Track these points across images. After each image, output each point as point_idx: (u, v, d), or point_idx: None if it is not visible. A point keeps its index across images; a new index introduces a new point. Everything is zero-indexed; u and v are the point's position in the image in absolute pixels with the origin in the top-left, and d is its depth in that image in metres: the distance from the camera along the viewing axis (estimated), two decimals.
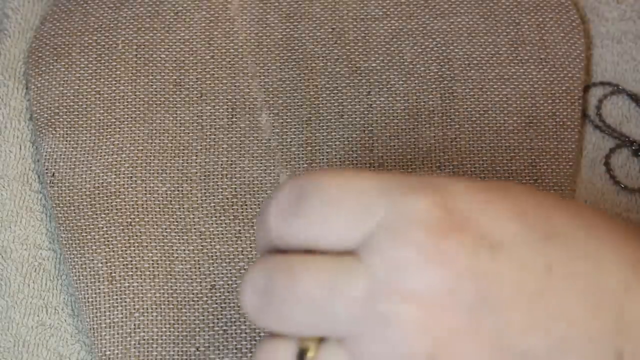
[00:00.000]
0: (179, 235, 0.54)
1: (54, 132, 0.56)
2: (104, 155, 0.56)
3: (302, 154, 0.56)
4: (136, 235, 0.54)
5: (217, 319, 0.52)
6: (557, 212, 0.36)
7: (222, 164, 0.56)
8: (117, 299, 0.52)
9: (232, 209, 0.55)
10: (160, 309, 0.52)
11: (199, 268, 0.53)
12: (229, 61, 0.58)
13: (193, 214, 0.54)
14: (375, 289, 0.34)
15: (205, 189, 0.55)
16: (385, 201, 0.34)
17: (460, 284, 0.33)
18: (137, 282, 0.53)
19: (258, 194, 0.55)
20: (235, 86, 0.58)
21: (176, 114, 0.57)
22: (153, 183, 0.55)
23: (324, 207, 0.34)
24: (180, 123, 0.57)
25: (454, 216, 0.34)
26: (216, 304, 0.52)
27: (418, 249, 0.33)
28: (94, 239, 0.54)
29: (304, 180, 0.35)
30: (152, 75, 0.58)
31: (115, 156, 0.56)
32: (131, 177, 0.55)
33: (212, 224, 0.54)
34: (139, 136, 0.56)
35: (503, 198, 0.35)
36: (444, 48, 0.59)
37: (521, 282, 0.34)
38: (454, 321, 0.33)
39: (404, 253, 0.33)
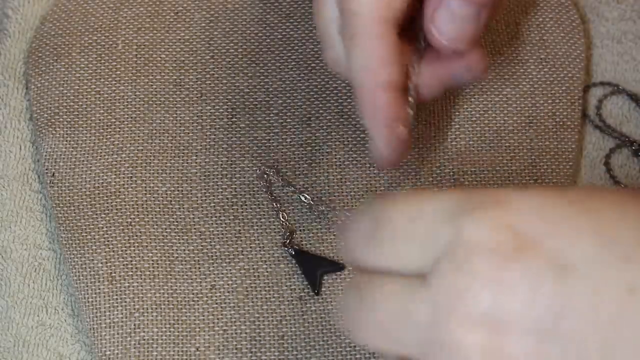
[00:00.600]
0: (179, 235, 0.54)
1: (54, 132, 0.56)
2: (104, 155, 0.56)
3: (302, 154, 0.56)
4: (136, 235, 0.54)
5: (217, 319, 0.52)
6: None
7: (222, 164, 0.56)
8: (117, 299, 0.52)
9: (232, 209, 0.55)
10: (160, 309, 0.52)
11: (199, 268, 0.53)
12: (229, 61, 0.58)
13: (193, 214, 0.54)
14: (438, 315, 0.34)
15: (205, 189, 0.55)
16: (450, 226, 0.34)
17: (523, 310, 0.32)
18: (137, 282, 0.53)
19: (258, 194, 0.55)
20: (235, 86, 0.58)
21: (176, 114, 0.57)
22: (153, 183, 0.55)
23: (394, 240, 0.36)
24: (180, 123, 0.57)
25: (519, 238, 0.33)
26: (216, 304, 0.52)
27: (478, 276, 0.33)
28: (94, 239, 0.54)
29: (379, 211, 0.36)
30: (152, 75, 0.58)
31: (115, 156, 0.56)
32: (131, 177, 0.55)
33: (212, 224, 0.54)
34: (139, 136, 0.56)
35: (579, 213, 0.34)
36: None
37: (597, 307, 0.32)
38: (518, 348, 0.33)
39: (465, 280, 0.33)
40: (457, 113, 0.57)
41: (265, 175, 0.55)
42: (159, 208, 0.55)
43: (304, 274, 0.53)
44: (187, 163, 0.56)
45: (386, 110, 0.46)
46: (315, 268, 0.53)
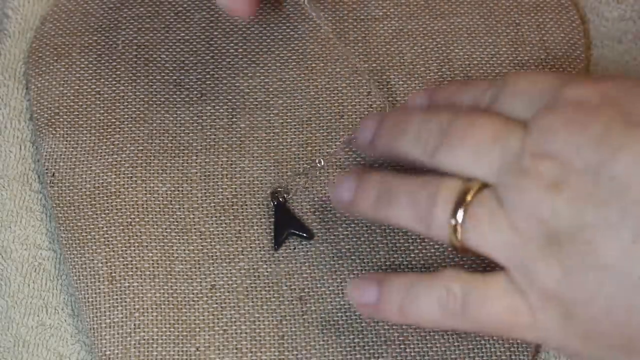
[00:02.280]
0: (179, 235, 0.54)
1: (54, 132, 0.56)
2: (104, 155, 0.56)
3: (302, 154, 0.56)
4: (136, 235, 0.54)
5: (217, 319, 0.52)
6: None
7: (222, 164, 0.56)
8: (117, 298, 0.52)
9: (232, 209, 0.55)
10: (160, 309, 0.52)
11: (199, 268, 0.53)
12: (229, 61, 0.58)
13: (193, 214, 0.54)
14: (526, 147, 0.42)
15: (205, 189, 0.55)
16: (555, 89, 0.43)
17: (588, 149, 0.40)
18: (137, 282, 0.53)
19: (258, 194, 0.55)
20: (235, 86, 0.58)
21: (176, 114, 0.57)
22: (153, 183, 0.55)
23: (513, 95, 0.45)
24: (181, 123, 0.57)
25: (605, 99, 0.41)
26: (216, 304, 0.52)
27: (564, 121, 0.41)
28: (94, 239, 0.54)
29: (507, 77, 0.46)
30: (152, 76, 0.58)
31: (116, 156, 0.56)
32: (131, 177, 0.55)
33: (212, 224, 0.54)
34: (139, 136, 0.56)
35: None
36: (444, 48, 0.59)
37: None
38: (580, 178, 0.40)
39: (553, 123, 0.42)
40: None
41: (276, 195, 0.55)
42: (159, 208, 0.55)
43: (274, 227, 0.53)
44: (187, 163, 0.56)
45: None
46: (286, 226, 0.54)
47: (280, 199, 0.54)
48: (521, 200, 0.42)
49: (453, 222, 0.43)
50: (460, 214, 0.43)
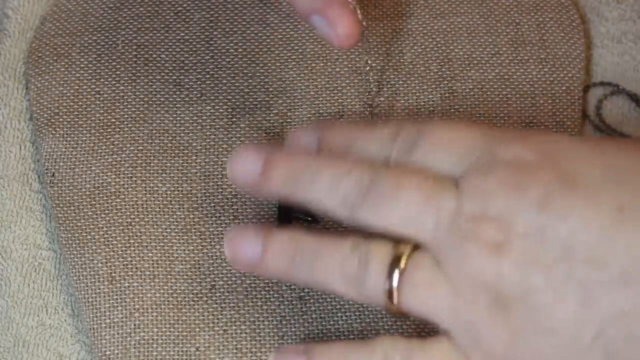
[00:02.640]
0: (179, 235, 0.54)
1: (54, 132, 0.56)
2: (104, 155, 0.56)
3: None
4: (136, 235, 0.54)
5: (217, 319, 0.52)
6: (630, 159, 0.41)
7: (222, 164, 0.56)
8: (117, 299, 0.52)
9: (233, 209, 0.55)
10: (160, 309, 0.52)
11: (199, 268, 0.53)
12: (229, 61, 0.58)
13: (193, 214, 0.54)
14: (462, 209, 0.40)
15: (205, 189, 0.55)
16: (485, 146, 0.42)
17: (530, 213, 0.39)
18: (137, 282, 0.53)
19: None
20: (235, 86, 0.58)
21: (176, 114, 0.57)
22: (153, 183, 0.55)
23: (434, 148, 0.42)
24: (180, 123, 0.57)
25: (541, 159, 0.40)
26: (216, 304, 0.52)
27: (501, 183, 0.40)
28: (94, 239, 0.54)
29: (421, 126, 0.43)
30: (152, 76, 0.58)
31: (115, 156, 0.56)
32: (131, 177, 0.55)
33: (212, 224, 0.54)
34: (139, 136, 0.56)
35: (592, 149, 0.41)
36: (444, 48, 0.59)
37: (593, 218, 0.38)
38: (522, 241, 0.39)
39: (489, 184, 0.40)
40: (457, 113, 0.57)
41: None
42: (159, 208, 0.55)
43: (278, 214, 0.53)
44: (187, 163, 0.56)
45: None
46: (290, 211, 0.53)
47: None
48: (463, 264, 0.40)
49: (387, 287, 0.41)
50: (395, 279, 0.41)
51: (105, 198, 0.55)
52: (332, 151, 0.45)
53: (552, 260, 0.39)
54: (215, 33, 0.59)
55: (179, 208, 0.54)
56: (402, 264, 0.41)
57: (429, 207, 0.41)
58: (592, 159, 0.40)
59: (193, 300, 0.52)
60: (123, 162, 0.55)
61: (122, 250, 0.53)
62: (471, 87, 0.58)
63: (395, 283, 0.41)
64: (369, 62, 0.58)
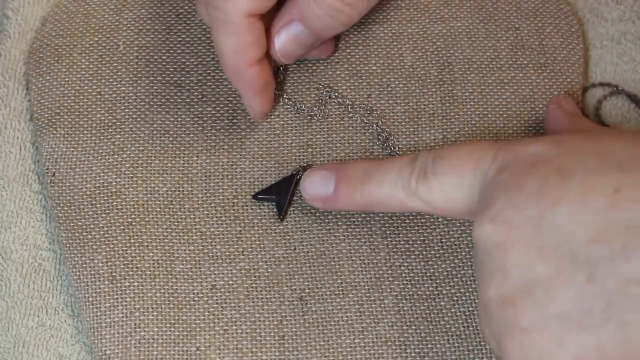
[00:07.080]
0: (179, 236, 0.54)
1: (54, 132, 0.56)
2: (105, 156, 0.56)
3: (303, 155, 0.56)
4: (137, 235, 0.54)
5: (218, 318, 0.52)
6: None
7: (222, 165, 0.56)
8: (117, 298, 0.52)
9: (233, 210, 0.55)
10: (161, 308, 0.52)
11: (200, 268, 0.53)
12: None
13: (194, 214, 0.54)
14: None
15: (206, 190, 0.55)
16: (497, 154, 0.45)
17: (528, 204, 0.41)
18: (138, 282, 0.53)
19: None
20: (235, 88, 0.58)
21: (177, 115, 0.57)
22: (154, 183, 0.55)
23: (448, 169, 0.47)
24: (181, 124, 0.57)
25: (537, 158, 0.43)
26: (217, 303, 0.52)
27: (498, 187, 0.43)
28: (95, 238, 0.54)
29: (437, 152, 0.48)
30: (153, 77, 0.58)
31: (116, 156, 0.56)
32: (132, 177, 0.55)
33: (212, 224, 0.54)
34: (139, 137, 0.56)
35: (586, 141, 0.44)
36: (444, 52, 0.59)
37: (589, 201, 0.40)
38: (522, 233, 0.41)
39: (492, 192, 0.43)
40: (456, 117, 0.57)
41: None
42: (160, 208, 0.55)
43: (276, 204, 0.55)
44: (188, 164, 0.56)
45: (256, 81, 0.53)
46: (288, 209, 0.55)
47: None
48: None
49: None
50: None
51: (106, 198, 0.55)
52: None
53: (553, 247, 0.40)
54: None
55: (180, 208, 0.55)
56: None
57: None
58: (586, 148, 0.43)
59: (194, 300, 0.52)
60: (124, 162, 0.56)
61: (122, 250, 0.53)
62: (471, 91, 0.58)
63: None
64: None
